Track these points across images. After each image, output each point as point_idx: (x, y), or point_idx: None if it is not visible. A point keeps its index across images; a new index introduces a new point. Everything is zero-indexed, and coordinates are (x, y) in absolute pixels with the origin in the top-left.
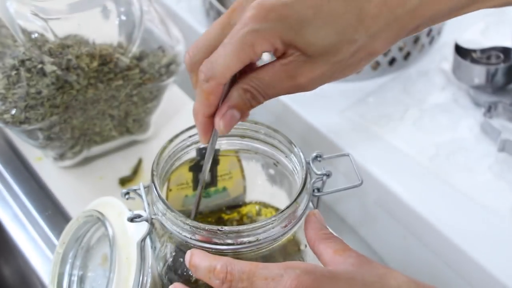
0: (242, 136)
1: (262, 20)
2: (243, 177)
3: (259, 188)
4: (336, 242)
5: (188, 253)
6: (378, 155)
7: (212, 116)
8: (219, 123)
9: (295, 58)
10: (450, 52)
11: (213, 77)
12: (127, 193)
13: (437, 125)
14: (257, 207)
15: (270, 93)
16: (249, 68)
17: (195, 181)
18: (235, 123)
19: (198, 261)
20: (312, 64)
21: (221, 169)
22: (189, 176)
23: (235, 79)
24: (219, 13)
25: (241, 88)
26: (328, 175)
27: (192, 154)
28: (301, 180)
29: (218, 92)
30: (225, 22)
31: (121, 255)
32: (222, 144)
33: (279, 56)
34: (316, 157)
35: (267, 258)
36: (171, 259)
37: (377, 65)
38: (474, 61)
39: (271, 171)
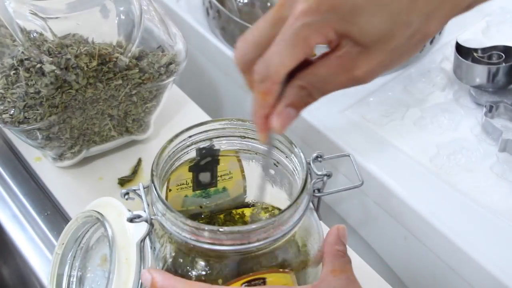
0: (243, 137)
1: (314, 13)
2: (243, 177)
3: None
4: (340, 262)
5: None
6: (378, 155)
7: (269, 115)
8: (276, 122)
9: (349, 49)
10: (451, 51)
11: (268, 77)
12: (127, 193)
13: (438, 125)
14: (257, 207)
15: (327, 89)
16: (303, 64)
17: (195, 181)
18: (292, 122)
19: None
20: (368, 55)
21: (221, 169)
22: (188, 176)
23: (290, 75)
24: (219, 13)
25: (297, 86)
26: (328, 175)
27: (192, 154)
28: (302, 180)
29: (274, 91)
30: (275, 17)
31: (121, 256)
32: (222, 144)
33: (333, 48)
34: (317, 157)
35: (267, 258)
36: (170, 260)
37: None
38: (475, 60)
39: (271, 171)
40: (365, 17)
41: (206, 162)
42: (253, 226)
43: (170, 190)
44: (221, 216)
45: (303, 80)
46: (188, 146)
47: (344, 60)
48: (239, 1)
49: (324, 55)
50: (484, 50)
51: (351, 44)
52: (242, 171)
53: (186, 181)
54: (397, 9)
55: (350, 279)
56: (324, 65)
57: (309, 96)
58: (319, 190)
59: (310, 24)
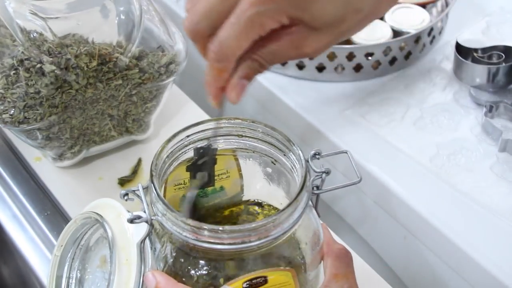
0: (240, 135)
1: (268, 1)
2: (241, 176)
3: (256, 186)
4: (342, 264)
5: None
6: (378, 155)
7: (224, 86)
8: (232, 94)
9: (300, 29)
10: (451, 51)
11: (224, 58)
12: (126, 194)
13: (438, 125)
14: (255, 206)
15: (276, 61)
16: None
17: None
18: (245, 91)
19: None
20: (318, 36)
21: (218, 168)
22: (186, 176)
23: None
24: None
25: (250, 58)
26: (327, 172)
27: (190, 154)
28: (301, 178)
29: (229, 69)
30: None
31: (121, 257)
32: (220, 143)
33: (285, 27)
34: (315, 154)
35: (268, 257)
36: (171, 260)
37: (378, 64)
38: (475, 60)
39: (269, 170)
40: (319, 5)
41: (203, 162)
42: (254, 224)
43: (167, 190)
44: (219, 215)
45: (256, 53)
46: (186, 146)
47: (295, 38)
48: None
49: (274, 31)
50: (484, 50)
51: (303, 26)
52: (239, 169)
53: (184, 181)
54: None
55: (351, 284)
56: (275, 41)
57: (261, 67)
58: (318, 188)
59: (265, 12)
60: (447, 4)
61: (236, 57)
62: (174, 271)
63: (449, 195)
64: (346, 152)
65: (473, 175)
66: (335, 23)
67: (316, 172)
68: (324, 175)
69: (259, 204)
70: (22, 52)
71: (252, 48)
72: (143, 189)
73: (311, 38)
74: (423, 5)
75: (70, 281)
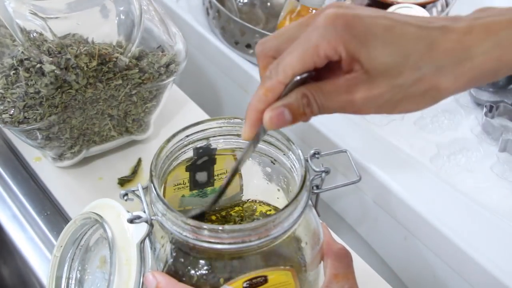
0: (239, 135)
1: (330, 24)
2: (240, 176)
3: (255, 186)
4: (342, 264)
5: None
6: (378, 155)
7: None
8: (267, 115)
9: (358, 74)
10: None
11: (276, 75)
12: (126, 194)
13: (438, 125)
14: (254, 205)
15: (326, 104)
16: (315, 79)
17: (192, 181)
18: (283, 123)
19: None
20: (371, 83)
21: (217, 168)
22: (185, 176)
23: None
24: (219, 13)
25: (300, 92)
26: (327, 171)
27: (189, 154)
28: (300, 177)
29: (278, 90)
30: (304, 23)
31: (121, 257)
32: (219, 143)
33: (345, 71)
34: (314, 154)
35: (268, 256)
36: (171, 260)
37: None
38: None
39: (268, 169)
40: (376, 45)
41: (202, 162)
42: (254, 224)
43: (167, 190)
44: (219, 215)
45: (307, 88)
46: (185, 146)
47: (350, 82)
48: (239, 1)
49: (335, 75)
50: None
51: (361, 71)
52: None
53: (183, 181)
54: (411, 50)
55: (352, 287)
56: (331, 82)
57: (308, 106)
58: (317, 187)
59: (323, 34)
60: (447, 4)
61: (287, 77)
62: (174, 271)
63: (449, 195)
64: (346, 151)
65: (473, 175)
66: (390, 71)
67: (315, 171)
68: (323, 174)
69: (259, 204)
70: (22, 52)
71: (307, 84)
72: (143, 189)
73: (365, 83)
74: (423, 5)
75: (70, 281)
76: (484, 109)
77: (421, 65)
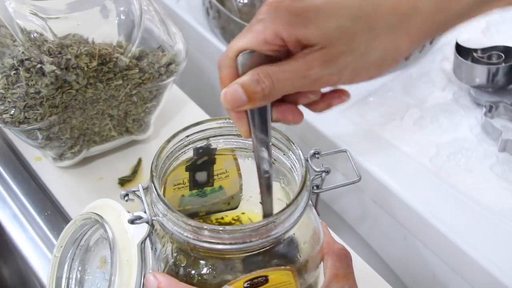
0: (239, 135)
1: (271, 10)
2: (240, 175)
3: (255, 186)
4: (343, 264)
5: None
6: (378, 155)
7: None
8: (222, 92)
9: (311, 49)
10: (451, 51)
11: (225, 53)
12: (126, 194)
13: (438, 125)
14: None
15: (278, 80)
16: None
17: (192, 181)
18: (239, 101)
19: None
20: (327, 50)
21: (217, 168)
22: (185, 176)
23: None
24: (219, 13)
25: (252, 71)
26: (327, 171)
27: (189, 154)
28: (301, 177)
29: (226, 65)
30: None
31: (122, 258)
32: (219, 143)
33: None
34: (314, 154)
35: (268, 256)
36: (172, 260)
37: None
38: (475, 60)
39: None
40: (322, 18)
41: (202, 162)
42: (255, 224)
43: (167, 190)
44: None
45: (260, 68)
46: (186, 146)
47: (304, 56)
48: (239, 1)
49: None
50: (484, 50)
51: (315, 46)
52: (238, 169)
53: (183, 180)
54: (358, 14)
55: (352, 287)
56: (283, 61)
57: (258, 83)
58: (317, 187)
59: (263, 20)
60: None
61: (232, 52)
62: (175, 272)
63: (449, 195)
64: (345, 151)
65: (473, 175)
66: (345, 37)
67: (315, 171)
68: (324, 174)
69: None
70: (23, 52)
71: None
72: (143, 189)
73: (320, 54)
74: None
75: (70, 281)
76: (484, 109)
77: (372, 26)
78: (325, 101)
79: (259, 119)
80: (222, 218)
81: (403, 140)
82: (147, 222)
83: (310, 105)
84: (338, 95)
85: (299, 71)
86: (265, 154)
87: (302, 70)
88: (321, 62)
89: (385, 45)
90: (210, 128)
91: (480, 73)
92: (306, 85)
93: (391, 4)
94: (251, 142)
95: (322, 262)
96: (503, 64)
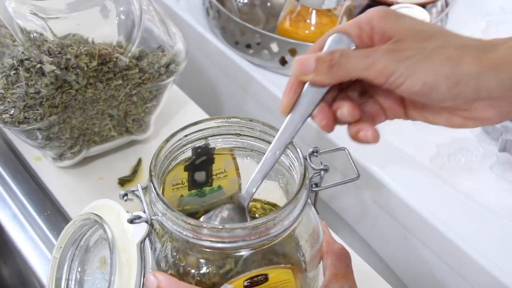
0: (238, 134)
1: (371, 10)
2: (238, 175)
3: None
4: (342, 264)
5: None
6: (378, 155)
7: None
8: (296, 59)
9: (388, 43)
10: None
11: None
12: (125, 194)
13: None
14: (253, 204)
15: (349, 62)
16: None
17: (191, 181)
18: (306, 69)
19: None
20: (397, 42)
21: (216, 167)
22: (184, 176)
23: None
24: (219, 13)
25: (330, 50)
26: (326, 169)
27: (188, 153)
28: (300, 175)
29: (318, 41)
30: None
31: (121, 258)
32: (218, 142)
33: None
34: (313, 152)
35: (268, 255)
36: (172, 259)
37: None
38: None
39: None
40: (407, 19)
41: (201, 161)
42: (254, 223)
43: (165, 190)
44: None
45: (337, 49)
46: (184, 145)
47: (378, 47)
48: (239, 1)
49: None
50: None
51: (391, 40)
52: (237, 168)
53: (182, 180)
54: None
55: (351, 286)
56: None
57: (328, 55)
58: (316, 185)
59: (366, 12)
60: (447, 4)
61: (323, 37)
62: (175, 271)
63: (449, 195)
64: (344, 149)
65: (473, 175)
66: (419, 36)
67: (314, 169)
68: (322, 172)
69: (258, 203)
70: (22, 52)
71: None
72: (142, 189)
73: (390, 46)
74: (423, 5)
75: (70, 282)
76: None
77: (450, 39)
78: (358, 126)
79: (307, 102)
80: None
81: (403, 140)
82: (147, 222)
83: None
84: (371, 129)
85: (366, 53)
86: (287, 136)
87: (369, 52)
88: (387, 50)
89: (452, 54)
90: (209, 128)
91: None
92: (364, 68)
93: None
94: (250, 142)
95: (321, 262)
96: None
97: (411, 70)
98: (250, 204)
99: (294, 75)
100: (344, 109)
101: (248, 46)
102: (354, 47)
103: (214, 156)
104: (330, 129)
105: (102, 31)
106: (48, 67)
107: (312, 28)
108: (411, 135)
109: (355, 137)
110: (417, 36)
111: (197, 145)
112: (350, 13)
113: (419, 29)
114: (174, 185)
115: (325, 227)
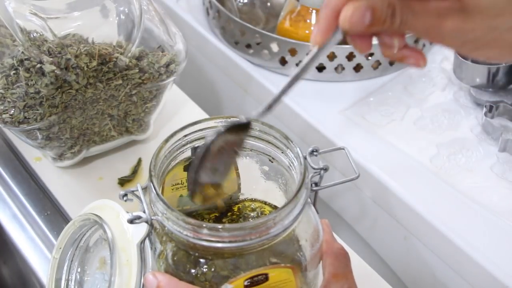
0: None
1: None
2: (238, 175)
3: (253, 185)
4: (341, 264)
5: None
6: (378, 155)
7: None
8: (347, 10)
9: (453, 3)
10: (451, 51)
11: None
12: (125, 195)
13: (438, 125)
14: (253, 204)
15: (410, 21)
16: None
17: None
18: (360, 25)
19: None
20: (466, 17)
21: None
22: (184, 176)
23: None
24: (219, 13)
25: (387, 0)
26: (325, 169)
27: (187, 153)
28: (300, 175)
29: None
30: None
31: (121, 258)
32: None
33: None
34: (313, 151)
35: (268, 254)
36: (172, 259)
37: (378, 64)
38: (475, 60)
39: (266, 168)
40: None
41: None
42: (254, 222)
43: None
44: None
45: (397, 0)
46: (184, 145)
47: (443, 8)
48: (239, 1)
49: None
50: None
51: (458, 3)
52: (236, 168)
53: (181, 180)
54: None
55: (350, 286)
56: (422, 2)
57: (391, 16)
58: (316, 184)
59: None
60: None
61: None
62: (175, 271)
63: (449, 195)
64: (344, 149)
65: (473, 175)
66: (490, 12)
67: (314, 168)
68: (322, 171)
69: (257, 202)
70: (22, 52)
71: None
72: (142, 189)
73: (459, 16)
74: None
75: (70, 283)
76: (484, 109)
77: None
78: (402, 52)
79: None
80: None
81: (403, 140)
82: (147, 222)
83: (386, 47)
84: (416, 56)
85: (432, 18)
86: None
87: (437, 22)
88: (453, 29)
89: None
90: (208, 127)
91: (480, 73)
92: (428, 34)
93: None
94: (249, 141)
95: (321, 261)
96: (503, 64)
97: (475, 48)
98: (249, 204)
99: (342, 23)
100: (395, 41)
101: (248, 46)
102: None
103: None
104: (368, 49)
105: (102, 31)
106: (48, 67)
107: (312, 28)
108: (411, 135)
109: (402, 61)
110: (487, 12)
111: (196, 145)
112: None
113: (490, 2)
114: (173, 185)
115: (326, 226)
